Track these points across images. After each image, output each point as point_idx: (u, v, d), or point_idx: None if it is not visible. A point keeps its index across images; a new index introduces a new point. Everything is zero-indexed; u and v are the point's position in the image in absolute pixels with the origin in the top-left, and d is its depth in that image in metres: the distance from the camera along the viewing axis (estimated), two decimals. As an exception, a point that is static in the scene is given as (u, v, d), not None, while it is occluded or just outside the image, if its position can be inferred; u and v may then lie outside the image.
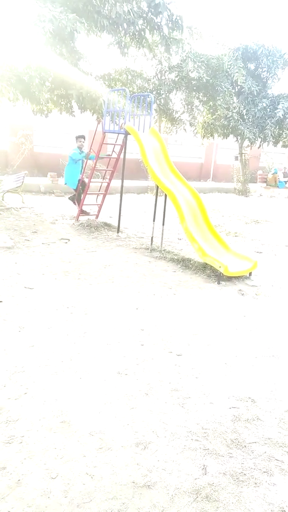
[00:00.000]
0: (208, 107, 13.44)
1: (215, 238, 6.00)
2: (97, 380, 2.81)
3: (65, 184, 8.80)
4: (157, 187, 6.52)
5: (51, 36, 7.71)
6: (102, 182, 8.93)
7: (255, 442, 2.28)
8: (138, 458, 2.12)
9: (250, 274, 5.49)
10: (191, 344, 3.47)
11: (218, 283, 5.15)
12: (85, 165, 8.47)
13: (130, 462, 2.08)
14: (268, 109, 13.86)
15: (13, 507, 1.78)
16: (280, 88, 15.09)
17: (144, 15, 8.76)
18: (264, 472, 2.07)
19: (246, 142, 15.53)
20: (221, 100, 12.46)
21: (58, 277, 4.92)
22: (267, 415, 2.54)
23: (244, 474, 2.04)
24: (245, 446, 2.24)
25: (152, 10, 8.50)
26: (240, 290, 4.99)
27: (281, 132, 14.43)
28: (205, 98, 12.97)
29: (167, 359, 3.18)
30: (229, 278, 5.28)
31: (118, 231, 7.64)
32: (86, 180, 8.36)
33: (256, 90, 13.64)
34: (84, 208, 8.39)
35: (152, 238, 6.68)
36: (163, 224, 6.65)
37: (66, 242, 6.67)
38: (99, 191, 8.74)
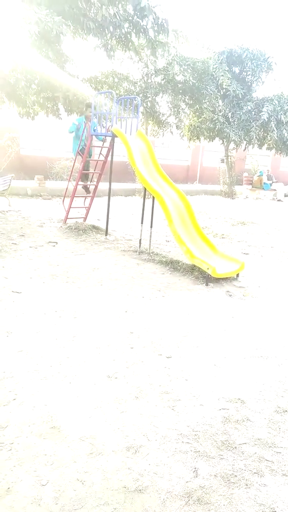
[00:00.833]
0: (194, 110, 13.54)
1: (202, 240, 6.03)
2: (87, 384, 2.79)
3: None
4: (145, 189, 6.53)
5: (37, 38, 7.67)
6: (89, 185, 8.90)
7: (245, 443, 2.29)
8: (129, 462, 2.11)
9: (237, 275, 5.53)
10: (181, 346, 3.48)
11: (206, 284, 5.18)
12: (89, 142, 7.79)
13: (121, 467, 2.07)
14: (253, 112, 14.03)
15: (3, 516, 1.75)
16: (264, 91, 15.30)
17: (130, 18, 8.78)
18: (254, 473, 2.08)
19: (232, 145, 15.69)
20: (207, 103, 12.57)
21: (46, 281, 4.88)
22: (257, 415, 2.56)
23: (235, 476, 2.05)
24: (235, 448, 2.25)
25: (138, 13, 8.53)
26: (227, 291, 5.02)
27: (265, 134, 14.63)
28: (191, 101, 13.06)
29: (157, 362, 3.18)
30: (217, 280, 5.31)
31: (106, 233, 7.63)
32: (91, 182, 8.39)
33: (241, 93, 13.79)
34: (72, 210, 8.34)
35: (140, 240, 6.68)
36: (151, 227, 6.66)
37: (54, 245, 6.62)
38: (86, 194, 8.70)
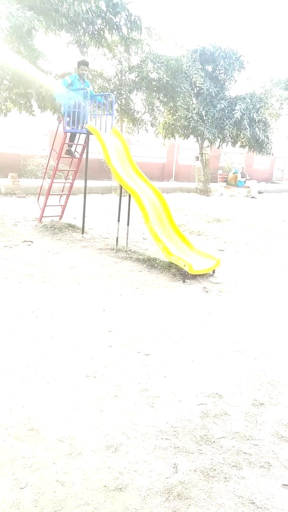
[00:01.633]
0: (168, 108, 13.59)
1: (179, 237, 6.07)
2: (65, 384, 2.76)
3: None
4: (121, 187, 6.51)
5: (8, 33, 7.50)
6: (65, 183, 8.80)
7: (224, 437, 2.33)
8: (109, 461, 2.10)
9: (213, 271, 5.60)
10: (159, 343, 3.49)
11: (183, 281, 5.22)
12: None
13: (101, 466, 2.06)
14: (226, 110, 14.21)
15: (-19, 522, 1.72)
16: (237, 89, 15.53)
17: (103, 14, 8.71)
18: (233, 466, 2.11)
19: (206, 143, 15.85)
20: (181, 101, 12.64)
21: (22, 281, 4.79)
22: (234, 409, 2.61)
23: (214, 470, 2.08)
24: (214, 442, 2.28)
25: (111, 9, 8.47)
26: (204, 287, 5.08)
27: (239, 132, 14.85)
28: (166, 99, 13.10)
29: (136, 360, 3.18)
30: (194, 276, 5.36)
31: (82, 232, 7.56)
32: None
33: (214, 92, 13.95)
34: (47, 209, 8.22)
35: (117, 238, 6.66)
36: (128, 224, 6.65)
37: (30, 244, 6.52)
38: (62, 192, 8.61)
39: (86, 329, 3.66)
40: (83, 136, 7.64)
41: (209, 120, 14.26)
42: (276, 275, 5.82)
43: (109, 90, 11.90)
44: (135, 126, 13.87)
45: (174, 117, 14.07)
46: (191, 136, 15.52)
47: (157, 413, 2.52)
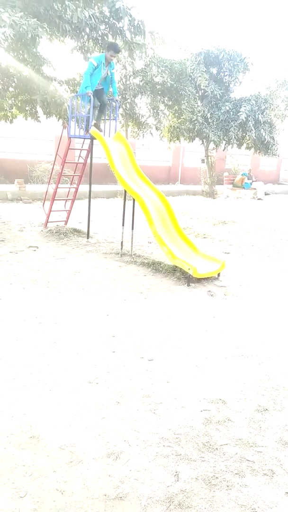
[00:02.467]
0: (173, 111, 13.59)
1: (183, 241, 6.05)
2: (67, 391, 2.75)
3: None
4: (125, 191, 6.52)
5: (12, 41, 7.58)
6: (70, 188, 8.84)
7: (227, 444, 2.30)
8: (110, 469, 2.08)
9: (218, 275, 5.56)
10: (162, 348, 3.47)
11: (188, 285, 5.19)
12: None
13: (101, 474, 2.05)
14: (231, 112, 14.17)
15: (-20, 531, 1.71)
16: (241, 91, 15.48)
17: (106, 20, 8.76)
18: (235, 474, 2.08)
19: (212, 145, 15.81)
20: (186, 104, 12.63)
21: (26, 286, 4.81)
22: (238, 415, 2.57)
23: (216, 478, 2.05)
24: (216, 449, 2.25)
25: (114, 15, 8.52)
26: (209, 291, 5.04)
27: (244, 134, 14.79)
28: (170, 102, 13.10)
29: (139, 365, 3.16)
30: (199, 280, 5.33)
31: (87, 236, 7.58)
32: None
33: (219, 94, 13.92)
34: (53, 214, 8.25)
35: (122, 242, 6.66)
36: (132, 229, 6.65)
37: (35, 250, 6.54)
38: (67, 197, 8.64)
39: (89, 334, 3.65)
40: (87, 141, 7.67)
41: (214, 123, 14.23)
42: (282, 278, 5.77)
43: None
44: (140, 130, 13.90)
45: (179, 120, 14.06)
46: (197, 139, 15.49)
47: (159, 420, 2.50)
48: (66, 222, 8.40)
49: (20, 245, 6.74)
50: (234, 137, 14.33)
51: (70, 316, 4.03)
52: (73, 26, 8.21)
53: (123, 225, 6.71)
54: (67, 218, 8.43)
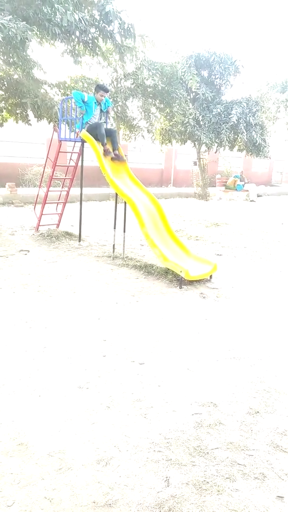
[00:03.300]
0: (165, 114, 13.63)
1: (175, 243, 6.04)
2: (57, 396, 2.72)
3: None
4: (116, 194, 6.50)
5: (1, 44, 7.55)
6: (61, 191, 8.80)
7: (218, 448, 2.27)
8: (99, 475, 2.05)
9: (210, 277, 5.55)
10: (154, 352, 3.44)
11: (180, 287, 5.17)
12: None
13: (91, 481, 2.01)
14: (223, 115, 14.25)
15: None
16: (233, 94, 15.58)
17: (96, 23, 8.76)
18: (226, 478, 2.06)
19: (204, 147, 15.87)
20: (177, 106, 12.67)
21: (17, 291, 4.76)
22: (229, 418, 2.55)
23: (207, 482, 2.02)
24: (207, 453, 2.23)
25: (103, 18, 8.52)
26: (201, 293, 5.03)
27: (235, 136, 14.87)
28: (162, 105, 13.14)
29: (130, 369, 3.13)
30: (191, 282, 5.31)
31: (79, 240, 7.54)
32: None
33: (211, 96, 13.98)
34: (44, 217, 8.20)
35: (113, 245, 6.63)
36: (124, 231, 6.63)
37: (26, 254, 6.49)
38: (58, 200, 8.60)
39: (80, 338, 3.62)
40: (78, 144, 7.65)
41: (206, 125, 14.29)
42: (274, 279, 5.77)
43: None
44: (132, 133, 13.91)
45: (170, 123, 14.11)
46: (188, 141, 15.55)
47: (150, 424, 2.47)
48: (57, 225, 8.36)
49: (11, 249, 6.69)
50: (226, 140, 14.41)
51: (61, 320, 3.99)
52: (63, 29, 8.20)
53: (114, 228, 6.68)
54: (59, 221, 8.39)
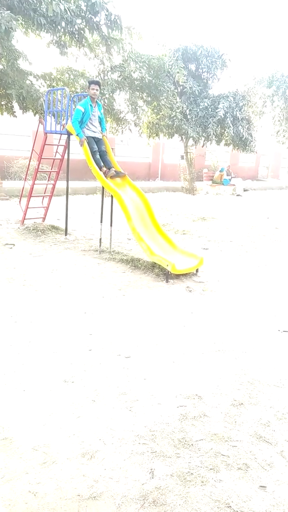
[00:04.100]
0: (152, 107, 13.56)
1: (162, 237, 6.04)
2: (42, 391, 2.71)
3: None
4: (103, 187, 6.46)
5: (-15, 33, 7.40)
6: (47, 184, 8.71)
7: (202, 439, 2.30)
8: (84, 469, 2.05)
9: (197, 270, 5.58)
10: (140, 345, 3.45)
11: (167, 281, 5.19)
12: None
13: (75, 474, 2.02)
14: (210, 109, 14.25)
15: None
16: (220, 88, 15.58)
17: (83, 14, 8.64)
18: (210, 469, 2.08)
19: (191, 141, 15.87)
20: (165, 100, 12.62)
21: (1, 285, 4.71)
22: (213, 410, 2.58)
23: (191, 474, 2.05)
24: (192, 445, 2.25)
25: (90, 9, 8.41)
26: (187, 287, 5.05)
27: (222, 131, 14.90)
28: (149, 98, 13.06)
29: (116, 363, 3.13)
30: (177, 276, 5.33)
31: (66, 233, 7.49)
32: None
33: (198, 90, 13.96)
34: (30, 211, 8.11)
35: (100, 239, 6.61)
36: (111, 225, 6.60)
37: (11, 248, 6.42)
38: (44, 193, 8.51)
39: (66, 332, 3.60)
40: (64, 137, 7.57)
41: (193, 119, 14.28)
42: (259, 273, 5.83)
43: (91, 90, 11.81)
44: (119, 126, 13.81)
45: (158, 116, 14.05)
46: (176, 135, 15.52)
47: (135, 417, 2.48)
48: (43, 219, 8.29)
49: (-4, 243, 6.60)
50: (213, 134, 14.43)
51: (47, 315, 3.97)
52: (48, 20, 8.09)
53: (101, 221, 6.65)
54: (45, 215, 8.31)
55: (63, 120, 7.45)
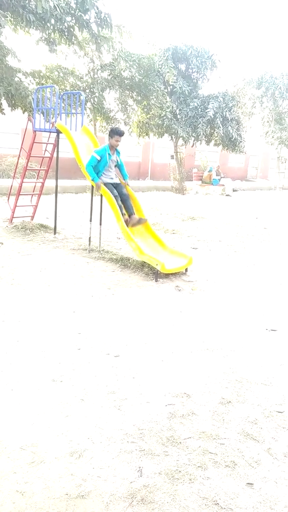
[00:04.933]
0: (142, 106, 13.56)
1: (152, 237, 6.05)
2: (30, 390, 2.69)
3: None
4: (92, 186, 6.43)
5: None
6: (36, 182, 8.65)
7: (190, 437, 2.31)
8: (72, 468, 2.05)
9: (186, 270, 5.60)
10: (129, 344, 3.45)
11: (156, 280, 5.19)
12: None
13: (63, 473, 2.01)
14: (199, 109, 14.31)
15: None
16: (209, 88, 15.66)
17: (72, 11, 8.60)
18: (198, 467, 2.10)
19: (181, 141, 15.91)
20: (154, 99, 12.63)
21: (-11, 284, 4.66)
22: (202, 408, 2.59)
23: (179, 471, 2.05)
24: (180, 443, 2.26)
25: (79, 6, 8.37)
26: (177, 286, 5.07)
27: (212, 131, 14.97)
28: (139, 97, 13.05)
29: (104, 362, 3.13)
30: (167, 275, 5.35)
31: (55, 232, 7.45)
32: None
33: (188, 90, 14.01)
34: (19, 209, 8.04)
35: (90, 238, 6.58)
36: (100, 224, 6.59)
37: (-1, 246, 6.36)
38: (33, 192, 8.45)
39: (54, 332, 3.59)
40: (53, 135, 7.53)
41: (183, 119, 14.33)
42: (247, 272, 5.88)
43: (81, 88, 11.78)
44: (109, 125, 13.76)
45: (148, 116, 14.05)
46: (166, 135, 15.54)
47: (123, 416, 2.48)
48: (32, 217, 8.23)
49: (-16, 242, 6.53)
50: (203, 134, 14.49)
51: (35, 314, 3.94)
52: (37, 17, 8.03)
53: (91, 220, 6.63)
54: (34, 213, 8.25)
55: (52, 118, 7.40)
